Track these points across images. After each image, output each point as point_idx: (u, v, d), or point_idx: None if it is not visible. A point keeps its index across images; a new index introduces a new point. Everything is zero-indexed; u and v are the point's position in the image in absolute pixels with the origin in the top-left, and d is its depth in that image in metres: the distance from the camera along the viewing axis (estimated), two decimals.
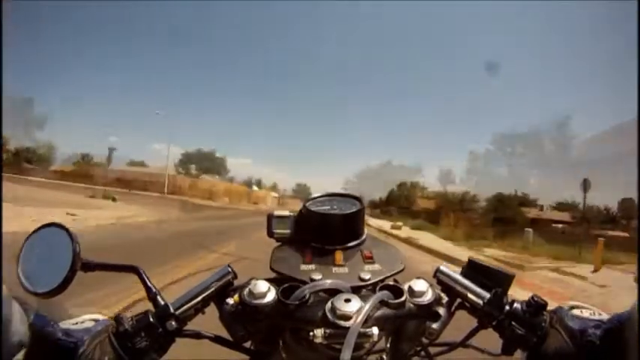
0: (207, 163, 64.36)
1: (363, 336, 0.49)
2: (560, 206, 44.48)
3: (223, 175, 66.75)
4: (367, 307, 0.51)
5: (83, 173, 44.97)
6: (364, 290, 0.61)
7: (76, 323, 0.53)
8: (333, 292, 0.56)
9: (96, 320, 0.55)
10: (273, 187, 78.61)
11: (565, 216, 36.74)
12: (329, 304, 0.53)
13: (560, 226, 28.94)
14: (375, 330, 0.50)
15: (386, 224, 26.73)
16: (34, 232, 0.61)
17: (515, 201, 40.76)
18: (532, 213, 38.53)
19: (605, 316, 0.53)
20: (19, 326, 0.43)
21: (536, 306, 0.57)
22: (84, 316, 0.56)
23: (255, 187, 65.24)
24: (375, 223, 26.51)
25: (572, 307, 0.57)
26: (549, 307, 0.58)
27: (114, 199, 22.23)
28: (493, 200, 41.12)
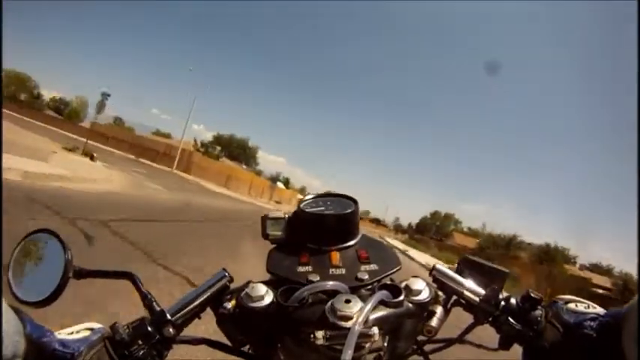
0: (237, 150, 60.02)
1: (364, 336, 0.49)
2: (595, 268, 42.65)
3: (252, 167, 62.03)
4: (368, 307, 0.51)
5: (98, 131, 41.10)
6: (362, 290, 0.61)
7: (72, 333, 0.52)
8: (331, 293, 0.56)
9: (92, 329, 0.54)
10: (302, 191, 73.94)
11: (604, 281, 33.62)
12: (329, 305, 0.53)
13: (600, 291, 26.41)
14: (375, 330, 0.50)
15: (433, 261, 20.28)
16: (24, 239, 0.59)
17: (560, 255, 38.70)
18: (571, 271, 35.99)
19: (600, 310, 0.54)
20: (13, 336, 0.41)
21: (531, 301, 0.58)
22: (80, 324, 0.55)
23: (280, 185, 59.66)
24: (420, 259, 20.20)
25: (568, 302, 0.57)
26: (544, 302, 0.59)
27: (92, 157, 17.27)
28: (539, 251, 38.72)
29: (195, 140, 51.61)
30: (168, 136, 58.48)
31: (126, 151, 37.67)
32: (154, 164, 34.11)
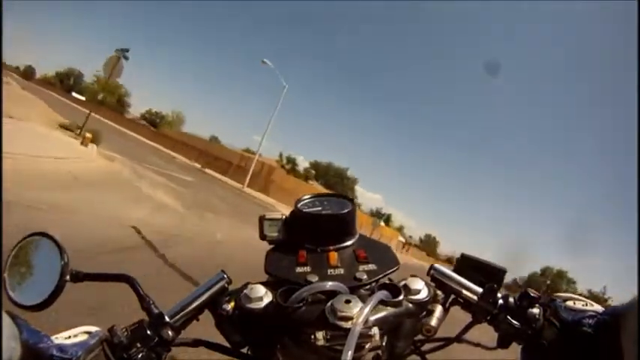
0: (334, 179, 52.68)
1: (364, 336, 0.49)
2: None
3: None
4: (368, 307, 0.50)
5: (166, 135, 37.35)
6: (361, 290, 0.61)
7: (69, 337, 0.52)
8: (330, 294, 0.56)
9: (89, 332, 0.54)
10: (400, 229, 64.20)
11: None
12: (329, 306, 0.53)
13: None
14: (375, 330, 0.50)
15: None
16: (20, 242, 0.59)
17: None
18: None
19: (598, 308, 0.54)
20: (9, 343, 0.40)
21: (529, 299, 0.58)
22: (77, 328, 0.55)
23: (381, 222, 49.34)
24: None
25: (566, 299, 0.58)
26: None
27: (84, 140, 10.56)
28: None
29: (280, 155, 44.85)
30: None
31: (193, 159, 32.50)
32: (222, 177, 27.53)
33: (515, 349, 0.59)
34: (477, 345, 0.67)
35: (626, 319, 0.45)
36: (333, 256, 0.66)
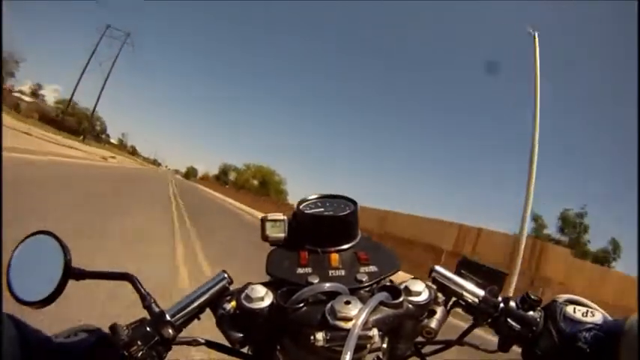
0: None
1: (364, 337, 0.49)
2: None
3: None
4: (368, 308, 0.51)
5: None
6: (362, 292, 0.61)
7: (69, 336, 0.52)
8: (330, 295, 0.56)
9: (89, 331, 0.54)
10: None
11: None
12: (329, 307, 0.53)
13: None
14: (375, 331, 0.50)
15: None
16: (23, 240, 0.60)
17: None
18: None
19: (597, 318, 0.53)
20: (9, 343, 0.41)
21: (530, 302, 0.58)
22: (76, 326, 0.55)
23: None
24: None
25: (567, 302, 0.57)
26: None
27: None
28: None
29: (536, 219, 28.00)
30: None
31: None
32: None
33: (516, 352, 0.59)
34: (478, 348, 0.66)
35: (626, 337, 0.44)
36: (335, 258, 0.66)
